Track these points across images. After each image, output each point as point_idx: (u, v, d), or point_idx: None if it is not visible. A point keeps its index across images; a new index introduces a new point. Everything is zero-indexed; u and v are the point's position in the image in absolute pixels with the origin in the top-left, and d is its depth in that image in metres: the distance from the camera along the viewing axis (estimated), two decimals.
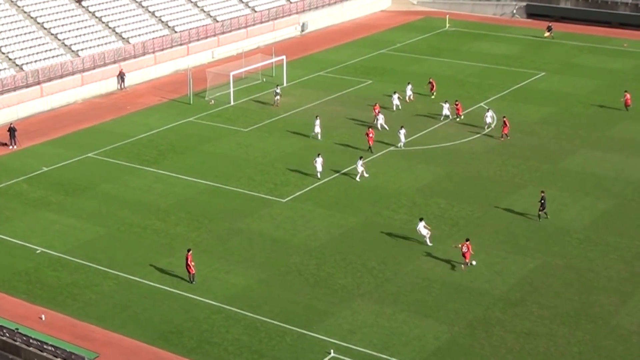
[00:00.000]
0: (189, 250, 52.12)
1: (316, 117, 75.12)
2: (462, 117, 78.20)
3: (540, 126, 77.05)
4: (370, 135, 70.67)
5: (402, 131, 71.69)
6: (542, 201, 58.94)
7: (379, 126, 75.31)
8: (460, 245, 53.42)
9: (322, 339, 46.07)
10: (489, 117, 75.79)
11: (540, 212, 59.08)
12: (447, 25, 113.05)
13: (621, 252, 54.92)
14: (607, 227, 58.28)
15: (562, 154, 70.63)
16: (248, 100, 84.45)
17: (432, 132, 75.43)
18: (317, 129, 73.71)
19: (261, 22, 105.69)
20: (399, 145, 71.49)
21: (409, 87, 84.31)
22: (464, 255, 53.06)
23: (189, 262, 51.50)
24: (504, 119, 74.56)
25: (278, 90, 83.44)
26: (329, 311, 48.70)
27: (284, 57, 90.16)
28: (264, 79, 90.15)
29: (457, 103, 79.02)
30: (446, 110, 78.14)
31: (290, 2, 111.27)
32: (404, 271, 52.89)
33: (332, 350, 44.95)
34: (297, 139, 73.98)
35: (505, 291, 50.66)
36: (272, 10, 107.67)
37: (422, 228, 55.84)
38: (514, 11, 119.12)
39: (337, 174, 66.70)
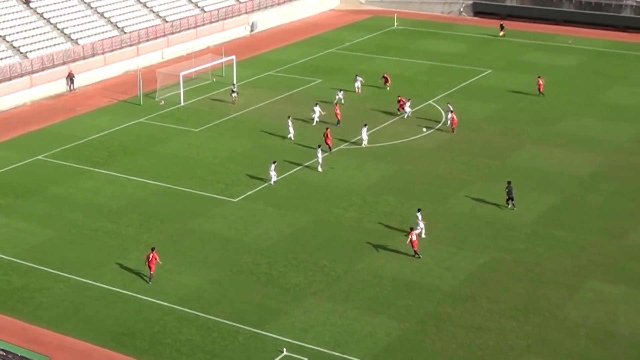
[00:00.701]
0: (153, 249, 52.33)
1: (288, 117, 75.24)
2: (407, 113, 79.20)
3: (487, 123, 78.03)
4: (328, 135, 71.08)
5: (365, 129, 72.73)
6: (508, 190, 60.71)
7: (315, 120, 76.90)
8: (409, 238, 54.40)
9: (274, 338, 46.34)
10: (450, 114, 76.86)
11: (509, 202, 60.83)
12: (395, 24, 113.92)
13: (568, 246, 55.88)
14: (553, 221, 59.25)
15: (509, 150, 71.62)
16: (198, 100, 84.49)
17: (381, 130, 76.06)
18: (291, 129, 73.97)
19: (210, 22, 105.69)
20: (363, 144, 72.45)
21: (359, 79, 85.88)
22: (412, 244, 54.11)
23: (156, 261, 51.70)
24: (452, 113, 75.83)
25: (235, 89, 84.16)
26: (282, 310, 49.01)
27: (233, 57, 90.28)
28: (214, 79, 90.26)
29: (400, 99, 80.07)
30: (408, 107, 79.09)
31: (240, 2, 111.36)
32: (355, 269, 53.38)
33: (284, 349, 45.22)
34: (248, 139, 74.19)
35: (455, 287, 51.32)
36: (221, 10, 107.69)
37: (420, 221, 56.88)
38: (461, 9, 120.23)
39: (287, 174, 67.05)
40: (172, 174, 67.41)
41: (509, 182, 61.53)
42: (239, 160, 69.90)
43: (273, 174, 65.37)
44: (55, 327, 47.62)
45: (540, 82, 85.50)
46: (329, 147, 70.70)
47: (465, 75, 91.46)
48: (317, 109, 77.13)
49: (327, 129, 72.26)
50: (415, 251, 54.46)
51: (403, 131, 75.62)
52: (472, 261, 54.12)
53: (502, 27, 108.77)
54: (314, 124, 76.61)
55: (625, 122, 78.03)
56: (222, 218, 60.14)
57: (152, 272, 51.90)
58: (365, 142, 72.39)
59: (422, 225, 56.88)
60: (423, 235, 56.81)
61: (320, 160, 67.32)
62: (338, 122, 76.46)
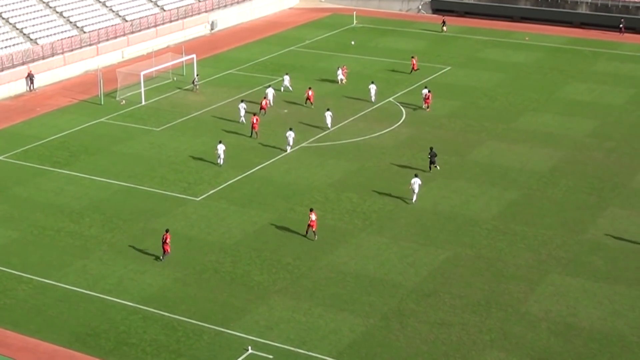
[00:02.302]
0: (167, 231, 54.35)
1: (241, 100, 78.86)
2: (312, 104, 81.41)
3: (447, 119, 78.67)
4: (255, 122, 73.50)
5: (328, 113, 75.70)
6: (431, 155, 66.30)
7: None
8: (310, 218, 56.58)
9: (239, 336, 46.51)
10: (425, 94, 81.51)
11: (431, 165, 66.47)
12: (355, 21, 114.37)
13: (528, 241, 56.59)
14: (514, 216, 59.95)
15: (469, 147, 72.29)
16: (159, 99, 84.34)
17: (343, 127, 76.44)
18: (242, 112, 77.04)
19: (170, 21, 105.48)
20: (326, 123, 75.61)
21: (340, 70, 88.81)
22: (310, 224, 56.27)
23: (166, 242, 53.55)
24: (429, 93, 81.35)
25: (197, 79, 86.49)
26: (246, 308, 49.19)
27: (194, 55, 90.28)
28: (175, 78, 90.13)
29: (309, 90, 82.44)
30: (372, 92, 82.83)
31: (199, 1, 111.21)
32: (319, 266, 53.68)
33: (249, 347, 45.42)
34: (210, 138, 74.17)
35: (418, 282, 51.78)
36: (181, 9, 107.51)
37: (417, 185, 61.27)
38: (420, 7, 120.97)
39: (250, 172, 67.24)
40: (134, 173, 67.31)
41: (431, 148, 67.12)
42: (201, 159, 69.90)
43: (221, 154, 67.92)
44: (18, 329, 47.42)
45: (414, 61, 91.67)
46: (253, 133, 73.68)
47: (424, 72, 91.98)
48: (272, 93, 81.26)
49: (254, 115, 74.93)
50: (312, 231, 56.60)
51: (364, 128, 76.05)
52: (435, 257, 54.63)
53: (443, 23, 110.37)
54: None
55: (583, 118, 79.07)
56: (184, 217, 60.17)
57: (166, 253, 53.99)
58: (329, 125, 75.03)
59: (417, 189, 61.20)
60: (414, 201, 61.43)
61: (290, 142, 70.49)
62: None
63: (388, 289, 51.02)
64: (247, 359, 44.73)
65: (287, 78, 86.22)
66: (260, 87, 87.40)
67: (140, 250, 55.60)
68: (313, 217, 56.41)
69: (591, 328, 47.14)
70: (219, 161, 68.13)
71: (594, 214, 60.33)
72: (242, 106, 77.26)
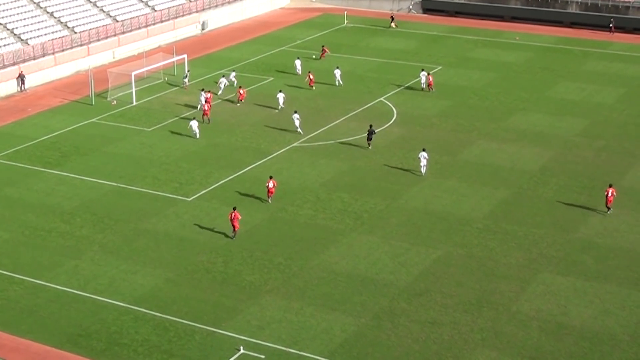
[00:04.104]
0: (234, 208, 56.68)
1: (202, 89, 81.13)
2: (240, 102, 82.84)
3: (438, 119, 78.81)
4: (207, 108, 77.43)
5: (281, 95, 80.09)
6: (369, 133, 70.84)
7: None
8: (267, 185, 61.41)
9: (231, 336, 46.56)
10: (423, 77, 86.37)
11: (368, 142, 70.98)
12: (346, 21, 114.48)
13: (519, 240, 56.73)
14: (505, 216, 60.09)
15: (460, 146, 72.43)
16: (150, 99, 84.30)
17: (334, 127, 76.53)
18: (203, 100, 78.93)
19: (161, 21, 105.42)
20: (279, 103, 79.67)
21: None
22: (268, 191, 61.27)
23: (238, 219, 56.19)
24: (429, 75, 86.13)
25: (187, 74, 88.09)
26: (238, 308, 49.23)
27: (185, 55, 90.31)
28: (166, 78, 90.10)
29: (239, 88, 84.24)
30: (337, 76, 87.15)
31: (190, 1, 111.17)
32: (310, 266, 53.75)
33: (241, 347, 45.48)
34: (201, 138, 74.02)
35: (409, 282, 51.89)
36: (172, 9, 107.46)
37: (423, 158, 65.44)
38: (410, 7, 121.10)
39: (241, 172, 67.28)
40: (126, 173, 67.29)
41: (370, 125, 71.79)
42: (193, 159, 69.95)
43: (195, 130, 72.63)
44: (10, 330, 47.40)
45: (326, 49, 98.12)
46: (204, 118, 77.20)
47: (415, 72, 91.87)
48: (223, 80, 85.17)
49: (206, 102, 77.86)
50: (268, 197, 61.39)
51: (355, 128, 76.13)
52: (426, 256, 54.74)
53: (392, 19, 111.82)
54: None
55: (573, 117, 79.29)
56: (176, 217, 60.18)
57: (235, 230, 56.46)
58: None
59: (424, 162, 65.18)
60: (423, 173, 65.52)
61: (297, 123, 73.88)
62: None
63: (379, 289, 51.12)
64: (239, 359, 44.80)
65: (233, 74, 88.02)
66: (255, 86, 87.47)
67: (131, 251, 55.59)
68: (270, 184, 61.05)
69: (582, 327, 47.31)
70: (195, 135, 73.01)
71: (584, 212, 60.51)
72: (203, 94, 79.32)
